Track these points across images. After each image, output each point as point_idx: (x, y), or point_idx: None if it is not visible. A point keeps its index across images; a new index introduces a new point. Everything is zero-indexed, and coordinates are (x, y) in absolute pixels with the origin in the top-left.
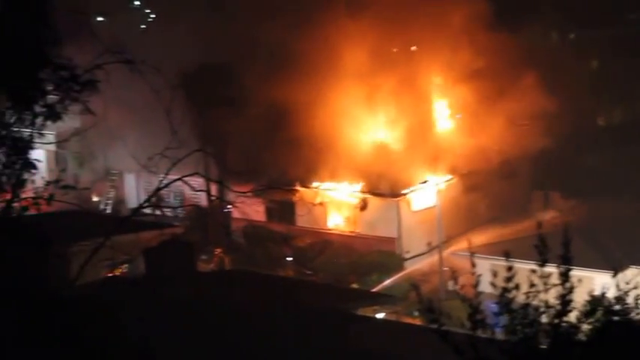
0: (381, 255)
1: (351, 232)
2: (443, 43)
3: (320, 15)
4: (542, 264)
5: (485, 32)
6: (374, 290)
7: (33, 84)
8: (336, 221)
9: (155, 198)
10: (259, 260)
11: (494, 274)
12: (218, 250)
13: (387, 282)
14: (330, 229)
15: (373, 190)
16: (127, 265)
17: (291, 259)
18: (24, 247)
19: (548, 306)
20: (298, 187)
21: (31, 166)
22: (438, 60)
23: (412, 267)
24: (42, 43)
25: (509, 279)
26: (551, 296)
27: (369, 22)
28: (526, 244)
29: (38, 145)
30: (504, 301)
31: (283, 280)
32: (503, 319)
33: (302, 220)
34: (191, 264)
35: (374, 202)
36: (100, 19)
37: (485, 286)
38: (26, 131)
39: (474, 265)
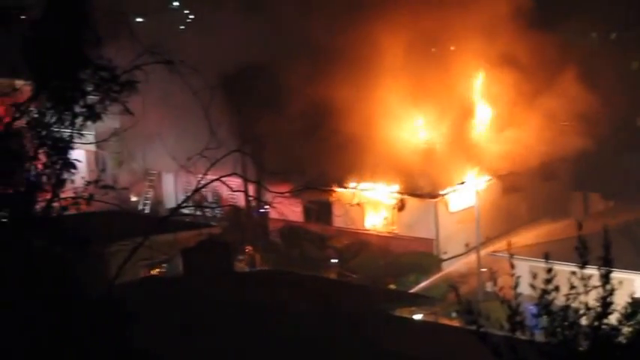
0: (418, 256)
1: (389, 232)
2: (482, 42)
3: (360, 13)
4: (583, 266)
5: (525, 31)
6: (411, 291)
7: (73, 84)
8: (373, 222)
9: (193, 198)
10: (296, 261)
11: (534, 276)
12: (249, 249)
13: (425, 283)
14: (367, 230)
15: (411, 191)
16: (165, 265)
17: (335, 261)
18: (63, 246)
19: (588, 308)
20: (336, 188)
21: (71, 166)
22: (477, 59)
23: (450, 268)
24: (82, 44)
25: (548, 281)
26: (592, 298)
27: (408, 21)
28: (566, 246)
29: (78, 145)
30: (544, 302)
31: (320, 280)
32: (543, 321)
33: (339, 221)
34: (228, 264)
35: (412, 202)
36: (139, 19)
37: (523, 288)
38: (66, 131)
39: (513, 266)
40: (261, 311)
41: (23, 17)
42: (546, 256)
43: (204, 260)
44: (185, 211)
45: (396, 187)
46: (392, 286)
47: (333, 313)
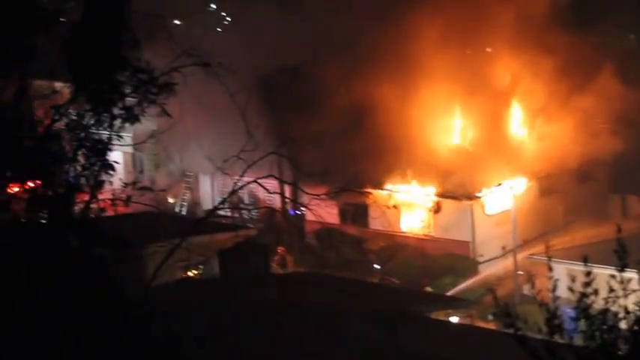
0: (454, 258)
1: (425, 235)
2: (518, 44)
3: (395, 13)
4: (622, 269)
5: (561, 31)
6: (448, 294)
7: (112, 87)
8: (409, 224)
9: (230, 200)
10: (332, 263)
11: (572, 279)
12: (281, 249)
13: (461, 286)
14: (403, 232)
15: (447, 193)
16: (201, 267)
17: (377, 267)
18: (101, 248)
19: (627, 312)
20: (372, 190)
21: (109, 167)
22: (513, 60)
23: (486, 271)
24: (121, 47)
25: (587, 284)
26: (631, 302)
27: (444, 23)
28: (604, 249)
29: (116, 147)
30: (582, 306)
31: (356, 282)
32: (581, 325)
33: (375, 223)
34: (265, 266)
35: (448, 205)
36: (177, 22)
37: (561, 291)
38: (105, 133)
39: (551, 269)
40: (295, 312)
41: (62, 20)
42: (585, 259)
43: (241, 262)
44: (222, 212)
45: (433, 189)
46: (428, 289)
47: (369, 315)
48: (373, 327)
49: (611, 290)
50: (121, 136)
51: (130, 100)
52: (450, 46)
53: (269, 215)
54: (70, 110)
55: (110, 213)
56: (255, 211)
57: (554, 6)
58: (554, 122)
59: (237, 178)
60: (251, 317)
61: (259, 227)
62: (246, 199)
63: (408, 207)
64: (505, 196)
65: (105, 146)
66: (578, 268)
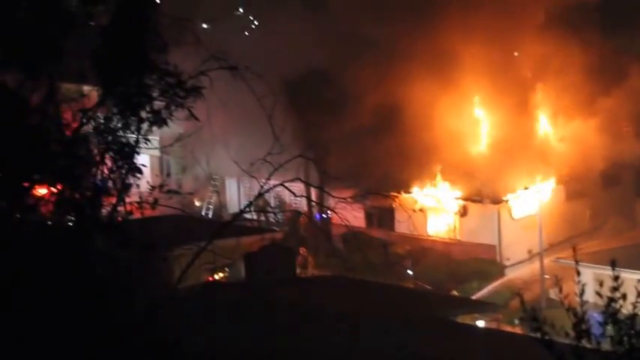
0: (480, 262)
1: (451, 238)
2: (545, 48)
3: (426, 18)
4: None
5: (589, 35)
6: (474, 297)
7: (140, 90)
8: (435, 228)
9: (256, 203)
10: (359, 266)
11: (600, 283)
12: (303, 250)
13: (487, 289)
14: (429, 236)
15: (474, 197)
16: (227, 270)
17: (410, 272)
18: (128, 250)
19: None
20: (398, 193)
21: (136, 170)
22: (540, 65)
23: (512, 274)
24: (149, 50)
25: (615, 288)
26: None
27: (474, 28)
28: (631, 253)
29: (143, 150)
30: (610, 310)
31: (382, 286)
32: (609, 330)
33: (401, 227)
34: (291, 269)
35: (474, 208)
36: (204, 26)
37: (588, 296)
38: (132, 137)
39: (578, 273)
40: (322, 316)
41: (91, 24)
42: (613, 263)
43: (267, 265)
44: (248, 215)
45: (459, 193)
46: (454, 293)
47: (395, 318)
48: (395, 331)
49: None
50: (148, 140)
51: (158, 104)
52: (478, 49)
53: (295, 219)
54: (98, 113)
55: (137, 216)
56: (282, 214)
57: (581, 8)
58: (581, 126)
59: (263, 181)
60: (274, 320)
61: (285, 230)
62: (273, 203)
63: (435, 211)
64: (531, 200)
65: (132, 149)
66: (606, 272)
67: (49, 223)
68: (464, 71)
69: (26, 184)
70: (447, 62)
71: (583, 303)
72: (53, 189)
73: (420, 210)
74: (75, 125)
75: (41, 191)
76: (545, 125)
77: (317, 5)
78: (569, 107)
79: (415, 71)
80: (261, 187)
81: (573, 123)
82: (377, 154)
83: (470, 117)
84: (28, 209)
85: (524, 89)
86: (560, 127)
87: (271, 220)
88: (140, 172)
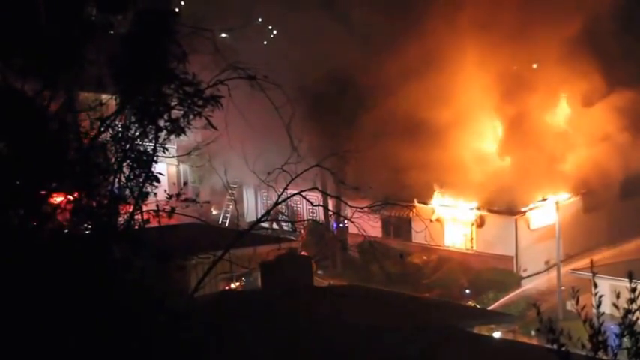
0: (497, 273)
1: (468, 249)
2: (564, 59)
3: (440, 28)
4: None
5: (605, 46)
6: (490, 308)
7: (158, 99)
8: (453, 238)
9: (274, 212)
10: (376, 276)
11: (617, 295)
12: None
13: (504, 300)
14: (446, 246)
15: (491, 208)
16: (244, 279)
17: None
18: (145, 259)
19: None
20: (415, 204)
21: (154, 179)
22: (558, 75)
23: (529, 285)
24: (167, 60)
25: (632, 300)
26: None
27: (490, 39)
28: None
29: (161, 158)
30: (627, 322)
31: (399, 296)
32: (626, 341)
33: (418, 237)
34: (308, 278)
35: (492, 219)
36: (223, 35)
37: (604, 307)
38: (150, 145)
39: (595, 284)
40: (338, 325)
41: (111, 33)
42: (630, 275)
43: (283, 274)
44: (265, 225)
45: (476, 204)
46: (471, 303)
47: (411, 328)
48: (411, 340)
49: None
50: (165, 148)
51: (176, 113)
52: (496, 60)
53: (312, 228)
54: (116, 122)
55: (154, 224)
56: (298, 223)
57: (596, 18)
58: (598, 137)
59: (280, 190)
60: (291, 329)
61: (302, 240)
62: (290, 212)
63: (452, 221)
64: (549, 211)
65: (150, 158)
66: (623, 283)
67: (66, 231)
68: (483, 83)
69: (43, 192)
70: (466, 75)
71: (600, 314)
72: (70, 197)
73: (437, 220)
74: (93, 134)
75: (58, 199)
76: (563, 137)
77: (336, 13)
78: (588, 119)
79: (434, 84)
80: (279, 196)
81: (591, 134)
82: (395, 164)
83: (488, 128)
84: (45, 217)
85: (544, 102)
86: (578, 139)
87: (288, 229)
88: (157, 180)
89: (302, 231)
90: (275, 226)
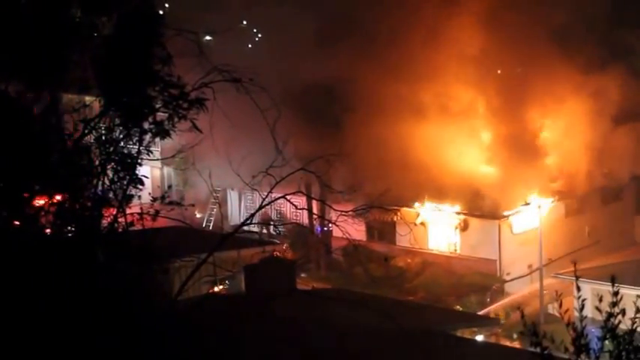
0: (481, 276)
1: (451, 252)
2: (547, 64)
3: (428, 34)
4: None
5: (594, 54)
6: (473, 312)
7: (142, 101)
8: (436, 242)
9: (258, 215)
10: (360, 280)
11: (599, 299)
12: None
13: (487, 304)
14: (430, 250)
15: (474, 212)
16: (227, 282)
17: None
18: (129, 262)
19: None
20: (399, 207)
21: (138, 182)
22: (542, 80)
23: (512, 289)
24: (152, 62)
25: (614, 304)
26: None
27: (478, 43)
28: (630, 269)
29: (145, 161)
30: (609, 326)
31: (383, 299)
32: (608, 345)
33: (402, 240)
34: (291, 282)
35: (475, 223)
36: (208, 38)
37: (587, 310)
38: (134, 148)
39: (578, 288)
40: (321, 329)
41: (95, 34)
42: (612, 279)
43: (267, 277)
44: (249, 228)
45: (460, 208)
46: (458, 308)
47: (394, 331)
48: (394, 344)
49: (638, 310)
50: (150, 151)
51: (161, 115)
52: (480, 66)
53: (296, 231)
54: (100, 124)
55: (138, 227)
56: (282, 227)
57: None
58: (581, 143)
59: (265, 194)
60: (275, 333)
61: (286, 243)
62: (274, 215)
63: (436, 225)
64: (532, 216)
65: (134, 161)
66: (605, 287)
67: (49, 233)
68: (467, 87)
69: (26, 195)
70: (449, 78)
71: (582, 318)
72: (53, 199)
73: (421, 224)
74: (76, 135)
75: (41, 201)
76: (548, 142)
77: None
78: (571, 125)
79: (416, 87)
80: (263, 199)
81: (574, 140)
82: (379, 168)
83: (472, 132)
84: (27, 219)
85: (526, 105)
86: (562, 144)
87: (272, 232)
88: (141, 183)
89: (286, 234)
90: (258, 228)
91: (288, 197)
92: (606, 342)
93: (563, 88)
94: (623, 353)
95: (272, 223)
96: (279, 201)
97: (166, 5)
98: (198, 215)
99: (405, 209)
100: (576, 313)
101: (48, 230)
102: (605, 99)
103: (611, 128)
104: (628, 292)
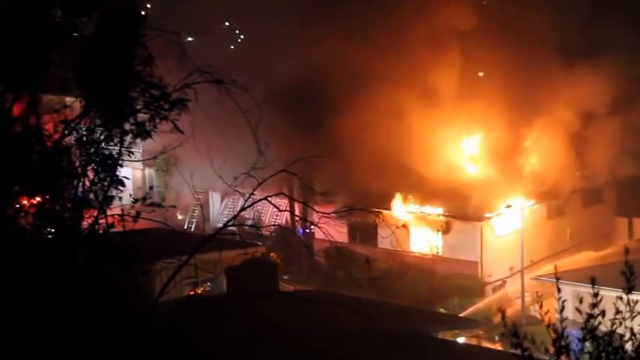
0: (463, 278)
1: (434, 254)
2: (533, 67)
3: (408, 39)
4: (629, 291)
5: (579, 58)
6: (455, 314)
7: (123, 102)
8: (418, 244)
9: (239, 217)
10: (341, 281)
11: (580, 300)
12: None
13: (469, 306)
14: (412, 252)
15: (456, 214)
16: (209, 284)
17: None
18: (109, 263)
19: (633, 334)
20: (382, 209)
21: (119, 183)
22: (527, 83)
23: (494, 291)
24: (133, 62)
25: (594, 305)
26: (637, 324)
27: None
28: (610, 271)
29: (126, 162)
30: (589, 327)
31: (365, 301)
32: (588, 346)
33: (384, 242)
34: (273, 283)
35: (457, 225)
36: (190, 39)
37: (567, 312)
38: (115, 149)
39: (559, 290)
40: (303, 331)
41: (75, 35)
42: (593, 281)
43: (248, 279)
44: (231, 229)
45: (442, 210)
46: (441, 310)
47: (376, 333)
48: (376, 345)
49: (618, 312)
50: (131, 152)
51: (142, 116)
52: (463, 68)
53: (278, 233)
54: (81, 125)
55: (119, 229)
56: (264, 228)
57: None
58: (563, 146)
59: (247, 195)
60: (257, 335)
61: (268, 245)
62: (256, 217)
63: (418, 227)
64: (513, 218)
65: (115, 162)
66: (586, 289)
67: (29, 234)
68: (449, 91)
69: (6, 196)
70: (432, 82)
71: (562, 319)
72: (33, 200)
73: (403, 226)
74: (57, 136)
75: (21, 202)
76: (528, 145)
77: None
78: (553, 128)
79: (400, 90)
80: (245, 201)
81: (555, 143)
82: (361, 170)
83: (455, 135)
84: (7, 220)
85: (510, 109)
86: (544, 147)
87: (255, 234)
88: (122, 184)
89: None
90: (241, 230)
91: (270, 199)
92: (586, 343)
93: (542, 92)
94: (603, 354)
95: (255, 224)
96: (261, 203)
97: (148, 6)
98: (180, 217)
99: (387, 211)
100: (557, 315)
101: (28, 232)
102: (586, 98)
103: (591, 126)
104: (608, 294)
